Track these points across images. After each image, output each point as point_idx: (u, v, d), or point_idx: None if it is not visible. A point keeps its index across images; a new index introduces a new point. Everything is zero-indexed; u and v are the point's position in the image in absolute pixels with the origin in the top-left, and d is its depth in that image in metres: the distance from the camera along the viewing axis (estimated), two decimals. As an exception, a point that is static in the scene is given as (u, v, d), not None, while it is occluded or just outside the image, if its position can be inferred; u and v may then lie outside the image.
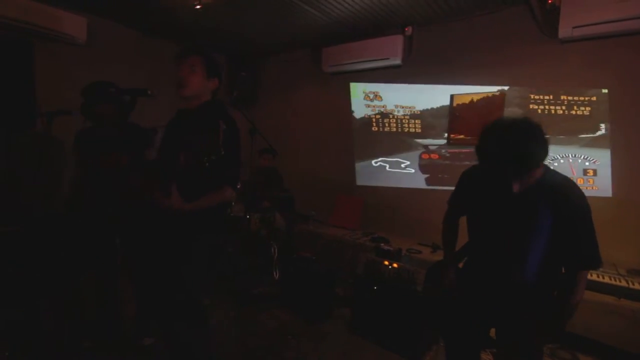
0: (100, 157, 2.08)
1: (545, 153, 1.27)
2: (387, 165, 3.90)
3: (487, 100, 3.27)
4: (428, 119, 3.64)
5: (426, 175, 3.66)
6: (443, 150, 3.54)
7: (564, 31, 2.72)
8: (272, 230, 3.43)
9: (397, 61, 3.64)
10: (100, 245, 2.12)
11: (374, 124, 4.00)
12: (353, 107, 4.14)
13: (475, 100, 3.34)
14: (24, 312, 2.35)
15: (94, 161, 2.10)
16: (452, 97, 3.47)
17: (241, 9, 3.34)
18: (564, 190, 1.31)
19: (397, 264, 2.36)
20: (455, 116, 3.46)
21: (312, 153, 4.51)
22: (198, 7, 3.09)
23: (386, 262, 2.40)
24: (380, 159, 3.97)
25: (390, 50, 3.63)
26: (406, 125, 3.81)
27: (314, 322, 2.62)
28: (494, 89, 3.23)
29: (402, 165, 3.81)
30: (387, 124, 3.91)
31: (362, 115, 4.08)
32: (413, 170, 3.73)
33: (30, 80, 2.69)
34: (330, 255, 3.46)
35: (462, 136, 3.42)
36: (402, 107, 3.80)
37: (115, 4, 3.35)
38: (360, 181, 4.14)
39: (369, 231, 3.73)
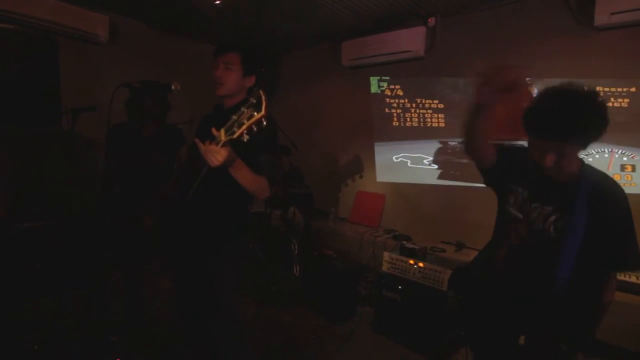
0: (137, 155, 2.12)
1: (603, 127, 1.12)
2: (409, 161, 3.81)
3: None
4: (452, 114, 3.53)
5: (448, 172, 3.56)
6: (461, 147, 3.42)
7: (601, 18, 2.56)
8: (292, 227, 3.41)
9: (419, 53, 3.53)
10: (127, 241, 2.13)
11: (395, 119, 3.90)
12: (373, 102, 4.06)
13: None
14: (52, 304, 2.40)
15: (130, 159, 2.13)
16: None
17: (260, 4, 3.30)
18: (604, 189, 1.19)
19: (423, 263, 2.29)
20: (480, 110, 3.32)
21: (331, 148, 4.45)
22: (217, 2, 3.06)
23: (411, 261, 2.33)
24: (401, 154, 3.88)
25: (412, 42, 3.52)
26: (429, 119, 3.70)
27: (336, 321, 2.59)
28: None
29: (425, 161, 3.71)
30: (408, 119, 3.81)
31: (383, 109, 3.99)
32: (436, 166, 3.63)
33: (55, 78, 2.73)
34: (350, 253, 3.42)
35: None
36: (425, 101, 3.69)
37: (136, 2, 3.37)
38: (381, 177, 4.06)
39: (390, 228, 3.66)
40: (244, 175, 1.37)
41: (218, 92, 1.55)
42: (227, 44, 1.60)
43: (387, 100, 3.94)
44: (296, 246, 3.29)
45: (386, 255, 2.51)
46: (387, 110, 3.95)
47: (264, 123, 1.14)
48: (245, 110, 1.15)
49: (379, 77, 3.99)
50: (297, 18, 3.65)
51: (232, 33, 4.15)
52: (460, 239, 3.16)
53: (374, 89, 4.05)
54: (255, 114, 1.13)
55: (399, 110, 3.85)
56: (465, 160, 3.43)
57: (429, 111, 3.68)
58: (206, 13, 3.49)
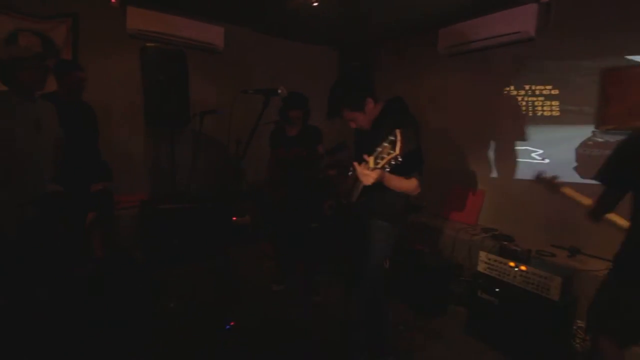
0: (285, 149, 2.82)
1: None
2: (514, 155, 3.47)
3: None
4: (568, 101, 3.09)
5: (563, 167, 3.14)
6: (588, 139, 2.97)
7: None
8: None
9: (530, 34, 3.16)
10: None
11: (499, 108, 3.59)
12: (473, 90, 3.79)
13: (636, 76, 2.68)
14: (187, 273, 2.93)
15: (280, 152, 2.85)
16: (603, 73, 2.85)
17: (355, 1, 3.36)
18: None
19: (525, 267, 2.12)
20: (607, 96, 2.84)
21: (426, 140, 4.30)
22: (315, 4, 3.23)
23: (512, 264, 2.18)
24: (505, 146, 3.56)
25: (521, 22, 3.17)
26: (539, 108, 3.30)
27: (427, 317, 2.58)
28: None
29: (534, 155, 3.34)
30: (514, 107, 3.46)
31: (484, 98, 3.71)
32: (548, 160, 3.24)
33: (185, 85, 3.28)
34: (443, 250, 3.31)
35: (616, 121, 2.80)
36: (535, 88, 3.31)
37: (245, 12, 3.76)
38: (481, 171, 3.79)
39: (488, 227, 3.42)
40: (395, 184, 1.67)
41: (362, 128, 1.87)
42: (332, 107, 1.82)
43: (489, 88, 3.64)
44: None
45: (483, 254, 2.39)
46: (488, 99, 3.65)
47: (400, 160, 1.36)
48: (386, 145, 1.39)
49: (480, 64, 3.70)
50: (392, 9, 3.61)
51: (325, 31, 4.32)
52: (573, 244, 2.80)
53: (475, 76, 3.77)
54: (392, 152, 1.36)
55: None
56: (585, 153, 3.00)
57: (539, 98, 3.29)
58: (303, 15, 3.71)
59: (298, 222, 2.88)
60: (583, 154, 3.01)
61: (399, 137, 1.35)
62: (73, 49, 3.38)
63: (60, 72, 2.41)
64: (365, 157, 1.49)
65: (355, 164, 1.56)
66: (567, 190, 2.00)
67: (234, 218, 3.45)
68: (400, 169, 1.55)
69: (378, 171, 1.47)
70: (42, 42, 3.22)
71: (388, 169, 1.43)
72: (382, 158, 1.41)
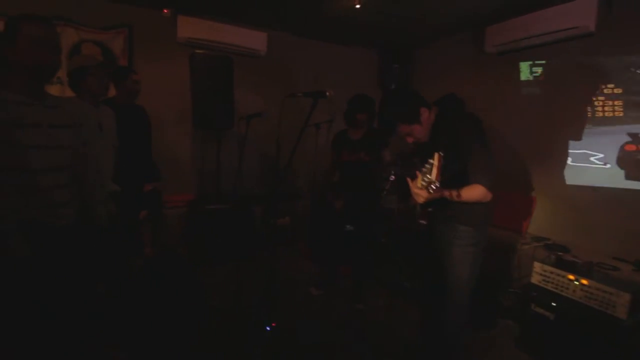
0: (349, 153, 2.75)
1: None
2: (570, 159, 3.24)
3: None
4: (633, 100, 2.83)
5: (630, 172, 2.87)
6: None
7: None
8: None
9: (589, 29, 2.93)
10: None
11: (553, 109, 3.36)
12: (524, 90, 3.59)
13: None
14: (230, 271, 3.01)
15: (344, 156, 2.78)
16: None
17: (398, 1, 3.30)
18: None
19: (587, 281, 1.95)
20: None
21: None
22: (358, 6, 3.21)
23: (571, 277, 2.02)
24: (559, 150, 3.32)
25: (579, 16, 2.95)
26: (599, 108, 3.05)
27: (475, 330, 2.45)
28: None
29: (592, 159, 3.09)
30: (571, 108, 3.22)
31: (535, 99, 3.49)
32: (609, 165, 2.98)
33: (230, 90, 3.38)
34: (490, 258, 3.14)
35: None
36: (595, 87, 3.06)
37: (287, 17, 3.83)
38: (532, 176, 3.57)
39: (540, 236, 3.20)
40: (455, 196, 1.54)
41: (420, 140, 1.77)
42: (386, 124, 1.76)
43: (542, 87, 3.42)
44: (428, 244, 3.23)
45: (537, 266, 2.23)
46: (541, 99, 3.44)
47: (437, 185, 1.34)
48: (427, 167, 1.36)
49: (531, 62, 3.50)
50: (436, 9, 3.51)
51: (365, 34, 4.29)
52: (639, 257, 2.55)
53: (524, 75, 3.57)
54: (429, 176, 1.34)
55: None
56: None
57: (600, 98, 3.04)
58: (346, 17, 3.70)
59: (358, 228, 2.80)
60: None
61: (435, 163, 1.30)
62: (129, 57, 3.61)
63: (118, 77, 2.57)
64: (418, 173, 1.45)
65: (408, 179, 1.53)
66: None
67: (276, 219, 3.50)
68: (458, 179, 1.50)
69: (426, 192, 1.42)
70: (102, 51, 3.47)
71: (431, 192, 1.38)
72: (425, 180, 1.37)
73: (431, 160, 1.32)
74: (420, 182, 1.41)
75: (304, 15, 3.79)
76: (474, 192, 1.54)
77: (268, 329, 2.09)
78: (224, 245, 3.21)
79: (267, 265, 2.00)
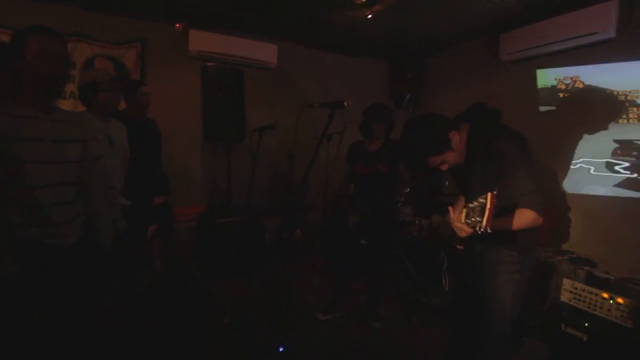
0: (365, 165, 2.63)
1: None
2: (592, 168, 3.10)
3: None
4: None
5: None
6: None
7: None
8: (438, 237, 3.23)
9: (610, 35, 2.83)
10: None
11: (574, 116, 3.24)
12: (541, 99, 3.48)
13: None
14: (242, 287, 2.93)
15: (360, 169, 2.66)
16: None
17: (410, 8, 3.26)
18: None
19: (623, 299, 1.82)
20: None
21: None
22: (370, 16, 3.18)
23: (605, 295, 1.88)
24: (580, 159, 3.19)
25: (599, 22, 2.85)
26: (623, 115, 2.93)
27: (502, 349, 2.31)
28: None
29: (617, 168, 2.96)
30: (593, 116, 3.10)
31: (554, 107, 3.38)
32: (635, 175, 2.84)
33: (241, 102, 3.36)
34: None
35: None
36: (618, 93, 2.94)
37: (297, 29, 3.83)
38: (551, 186, 3.43)
39: (564, 250, 3.05)
40: (502, 227, 1.36)
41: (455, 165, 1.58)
42: (417, 159, 1.55)
43: (561, 95, 3.32)
44: (445, 258, 3.10)
45: (567, 282, 2.09)
46: (559, 106, 3.33)
47: (488, 231, 1.16)
48: (477, 205, 1.20)
49: (547, 69, 3.40)
50: (449, 17, 3.46)
51: (377, 43, 4.26)
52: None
53: (542, 82, 3.47)
54: (479, 219, 1.17)
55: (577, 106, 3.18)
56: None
57: (624, 104, 2.92)
58: (357, 29, 3.68)
59: (374, 243, 2.69)
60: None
61: (488, 205, 1.12)
62: (141, 71, 3.63)
63: (128, 91, 2.57)
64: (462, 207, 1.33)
65: (451, 208, 1.40)
66: None
67: (288, 233, 3.41)
68: (509, 206, 1.34)
69: (470, 229, 1.28)
70: (115, 66, 3.49)
71: (479, 232, 1.20)
72: (471, 220, 1.22)
73: (482, 200, 1.16)
74: (464, 218, 1.27)
75: (314, 27, 3.78)
76: (525, 220, 1.36)
77: (281, 350, 2.00)
78: (234, 260, 3.14)
79: (281, 284, 1.91)
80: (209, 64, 3.41)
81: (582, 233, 3.14)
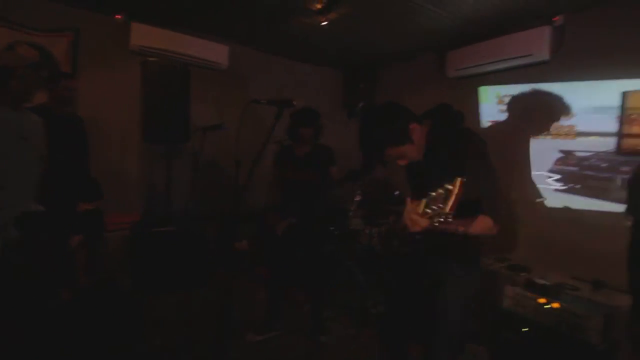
0: (293, 171, 2.53)
1: None
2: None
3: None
4: (585, 123, 2.97)
5: (581, 191, 2.98)
6: (609, 162, 2.83)
7: None
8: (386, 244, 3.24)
9: (544, 57, 3.08)
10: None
11: (510, 131, 3.46)
12: (483, 115, 3.68)
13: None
14: (178, 302, 2.67)
15: (288, 174, 2.56)
16: (624, 95, 2.74)
17: (364, 19, 3.30)
18: None
19: (559, 304, 1.90)
20: (630, 119, 2.72)
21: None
22: (324, 23, 3.16)
23: (542, 300, 1.95)
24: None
25: (535, 44, 3.09)
26: (554, 129, 3.18)
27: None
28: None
29: (549, 180, 3.18)
30: (527, 131, 3.33)
31: (494, 122, 3.59)
32: (566, 186, 3.07)
33: (186, 101, 3.14)
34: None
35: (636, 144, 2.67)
36: (550, 111, 3.19)
37: (250, 31, 3.71)
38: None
39: (500, 256, 3.19)
40: (461, 226, 1.30)
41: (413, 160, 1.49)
42: (373, 150, 1.45)
43: (501, 111, 3.53)
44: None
45: (509, 289, 2.16)
46: (499, 122, 3.53)
47: (449, 219, 1.08)
48: (441, 192, 1.09)
49: (490, 87, 3.62)
50: (401, 31, 3.56)
51: (331, 52, 4.28)
52: (596, 275, 2.56)
53: (484, 99, 3.68)
54: (441, 206, 1.07)
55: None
56: (605, 176, 2.84)
57: (554, 122, 3.17)
58: (311, 36, 3.66)
59: (306, 252, 2.56)
60: (602, 177, 2.86)
61: (455, 190, 1.05)
62: (73, 63, 3.28)
63: (50, 82, 2.28)
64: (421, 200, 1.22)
65: (409, 200, 1.29)
66: None
67: (234, 243, 3.20)
68: (467, 210, 1.22)
69: (427, 222, 1.18)
70: (40, 54, 3.11)
71: (437, 224, 1.13)
72: (432, 209, 1.12)
73: (448, 186, 1.06)
74: (423, 208, 1.16)
75: (269, 31, 3.69)
76: (483, 226, 1.31)
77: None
78: (172, 273, 2.86)
79: (220, 299, 1.73)
80: (151, 58, 3.16)
81: (516, 240, 3.32)
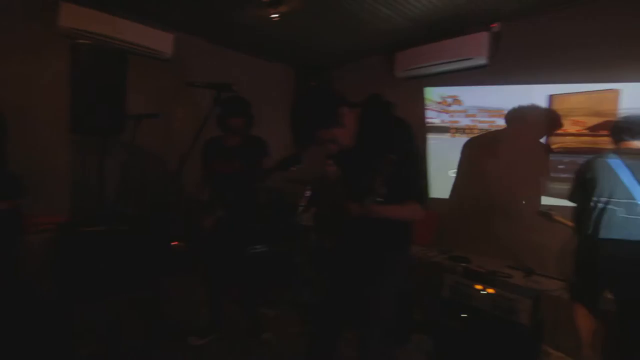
0: (223, 163, 2.37)
1: None
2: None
3: (596, 99, 2.79)
4: (519, 123, 3.21)
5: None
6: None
7: None
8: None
9: (482, 61, 3.29)
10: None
11: (453, 130, 3.65)
12: (428, 114, 3.84)
13: (580, 100, 2.87)
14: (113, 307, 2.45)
15: (217, 166, 2.39)
16: (550, 97, 3.01)
17: (316, 16, 3.29)
18: None
19: (494, 290, 2.01)
20: (555, 120, 2.99)
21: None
22: (275, 16, 3.10)
23: (478, 287, 2.06)
24: (452, 170, 3.61)
25: (474, 49, 3.29)
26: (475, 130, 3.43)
27: (390, 347, 2.35)
28: (605, 86, 2.74)
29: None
30: (468, 130, 3.54)
31: (438, 121, 3.76)
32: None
33: (122, 89, 2.89)
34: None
35: (563, 142, 2.95)
36: (487, 111, 3.41)
37: (198, 20, 3.53)
38: (434, 193, 3.77)
39: (444, 248, 3.35)
40: (386, 213, 1.31)
41: (344, 146, 1.47)
42: (303, 131, 1.43)
43: (443, 111, 3.71)
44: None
45: (448, 278, 2.25)
46: (442, 121, 3.72)
47: (380, 200, 1.12)
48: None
49: (434, 87, 3.79)
50: (352, 30, 3.60)
51: (282, 49, 4.23)
52: (529, 263, 2.81)
53: (429, 99, 3.84)
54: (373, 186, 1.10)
55: (456, 121, 3.60)
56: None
57: (492, 122, 3.40)
58: (264, 29, 3.57)
59: (236, 248, 2.43)
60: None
61: (384, 168, 1.08)
62: (-14, 43, 2.89)
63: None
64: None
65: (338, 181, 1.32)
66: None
67: (173, 243, 2.98)
68: (395, 194, 1.24)
69: (360, 208, 1.19)
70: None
71: (368, 207, 1.16)
72: (363, 192, 1.14)
73: (378, 165, 1.10)
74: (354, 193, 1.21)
75: (218, 21, 3.54)
76: (409, 210, 1.35)
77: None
78: (102, 277, 2.60)
79: (154, 301, 1.60)
80: (82, 41, 2.87)
81: (458, 233, 3.50)
